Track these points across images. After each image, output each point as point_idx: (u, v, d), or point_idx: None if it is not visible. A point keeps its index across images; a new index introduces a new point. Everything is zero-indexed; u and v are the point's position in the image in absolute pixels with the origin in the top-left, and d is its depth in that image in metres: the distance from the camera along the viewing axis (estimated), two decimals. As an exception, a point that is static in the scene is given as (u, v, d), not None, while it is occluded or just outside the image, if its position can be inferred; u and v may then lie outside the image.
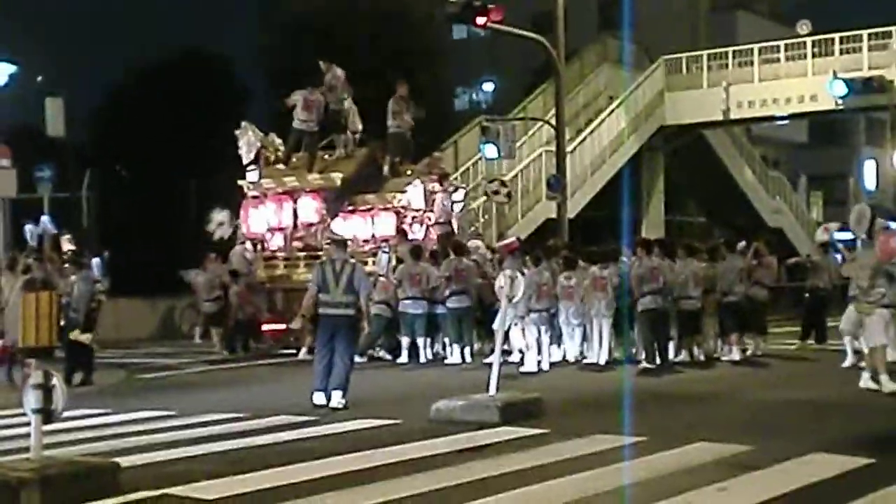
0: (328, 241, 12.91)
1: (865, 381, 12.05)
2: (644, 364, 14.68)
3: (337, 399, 11.21)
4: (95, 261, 17.69)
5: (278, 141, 20.72)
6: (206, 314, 20.24)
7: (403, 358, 16.39)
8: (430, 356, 16.47)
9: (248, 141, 20.32)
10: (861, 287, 12.10)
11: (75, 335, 14.45)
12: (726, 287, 15.76)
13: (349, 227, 18.99)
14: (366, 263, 18.09)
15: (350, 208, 19.25)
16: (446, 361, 16.09)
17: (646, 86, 30.19)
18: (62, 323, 15.91)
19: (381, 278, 16.99)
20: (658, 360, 14.69)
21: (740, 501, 6.99)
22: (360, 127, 20.26)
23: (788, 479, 7.47)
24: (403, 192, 19.05)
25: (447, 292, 16.27)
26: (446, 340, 16.49)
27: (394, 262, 17.45)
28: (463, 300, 16.19)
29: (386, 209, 18.95)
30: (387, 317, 16.69)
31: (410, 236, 18.39)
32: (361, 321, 11.59)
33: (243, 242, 20.01)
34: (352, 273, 11.38)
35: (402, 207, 18.88)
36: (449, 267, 16.41)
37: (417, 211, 19.02)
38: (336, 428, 10.15)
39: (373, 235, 18.78)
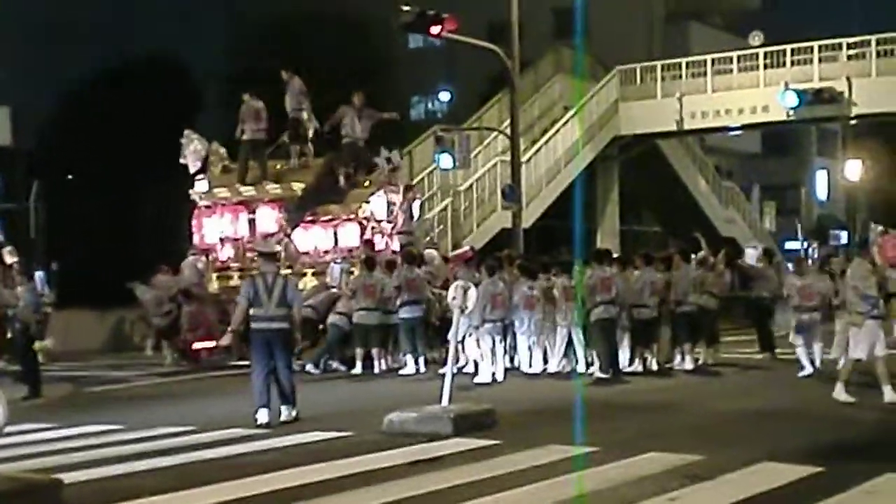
0: (258, 254, 12.73)
1: (839, 393, 11.89)
2: (598, 374, 14.72)
3: (286, 413, 11.14)
4: (39, 274, 17.48)
5: (223, 150, 20.66)
6: (156, 328, 19.97)
7: (357, 369, 16.30)
8: (384, 367, 16.40)
9: (193, 150, 20.22)
10: (867, 297, 11.66)
11: (41, 346, 14.38)
12: (680, 296, 15.88)
13: (310, 237, 19.00)
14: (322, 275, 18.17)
15: (310, 219, 19.21)
16: (400, 372, 16.03)
17: (600, 96, 30.36)
18: (9, 335, 15.78)
19: (334, 289, 16.99)
20: (611, 370, 14.72)
21: (690, 511, 7.01)
22: (311, 135, 20.26)
23: (738, 489, 7.51)
24: (367, 202, 19.08)
25: (398, 302, 16.25)
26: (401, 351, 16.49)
27: (356, 272, 17.39)
28: (415, 310, 16.16)
29: (350, 220, 18.95)
30: (343, 328, 16.62)
31: (379, 245, 18.45)
32: (295, 332, 11.49)
33: (195, 253, 19.85)
34: (284, 286, 11.31)
35: (365, 218, 18.90)
36: (400, 277, 16.39)
37: (380, 221, 19.06)
38: (286, 441, 10.06)
39: (335, 246, 18.76)
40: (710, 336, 16.59)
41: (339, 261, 17.94)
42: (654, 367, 15.72)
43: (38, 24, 50.68)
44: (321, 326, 17.11)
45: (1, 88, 24.96)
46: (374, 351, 16.39)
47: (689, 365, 15.73)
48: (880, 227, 14.46)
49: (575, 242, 20.53)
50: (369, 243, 18.34)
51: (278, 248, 12.91)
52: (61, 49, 38.04)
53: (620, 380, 14.63)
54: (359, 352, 16.43)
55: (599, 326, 14.85)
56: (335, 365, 16.86)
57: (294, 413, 11.17)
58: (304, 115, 20.00)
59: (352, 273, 17.53)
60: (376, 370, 16.28)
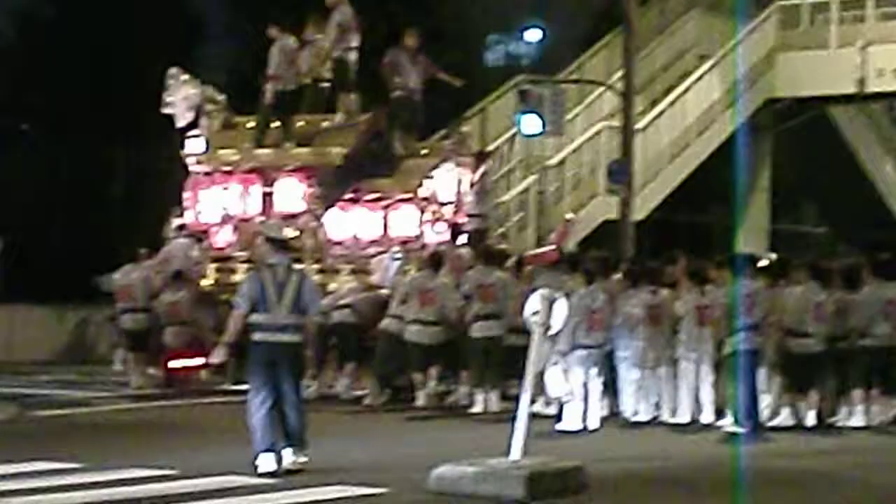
0: (265, 239, 12.72)
1: None
2: (729, 427, 14.66)
3: (293, 458, 11.19)
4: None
5: (221, 97, 20.94)
6: (128, 331, 20.00)
7: (418, 399, 16.61)
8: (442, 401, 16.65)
9: (183, 96, 20.48)
10: None
11: None
12: (863, 325, 15.72)
13: (349, 222, 19.20)
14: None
15: (351, 197, 19.39)
16: (470, 411, 16.20)
17: (751, 42, 30.08)
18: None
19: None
20: (749, 423, 14.66)
21: None
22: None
23: None
24: (429, 177, 19.25)
25: (470, 316, 16.34)
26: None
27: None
28: (491, 327, 16.24)
29: (407, 199, 19.11)
30: (400, 337, 16.81)
31: (439, 237, 18.72)
32: (306, 349, 11.57)
33: (188, 235, 20.11)
34: (300, 285, 11.35)
35: (426, 199, 19.07)
36: (471, 281, 16.48)
37: (445, 204, 19.21)
38: (295, 497, 10.17)
39: (384, 235, 18.97)
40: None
41: (397, 254, 18.01)
42: (811, 420, 15.60)
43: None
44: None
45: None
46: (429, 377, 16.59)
47: (859, 420, 15.59)
48: None
49: (709, 244, 20.45)
50: (455, 231, 18.42)
51: (292, 233, 12.96)
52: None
53: (762, 437, 14.55)
54: (416, 377, 16.72)
55: (737, 361, 14.78)
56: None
57: (303, 458, 11.25)
58: (353, 55, 20.23)
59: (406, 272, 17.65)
60: (420, 402, 16.45)
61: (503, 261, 17.27)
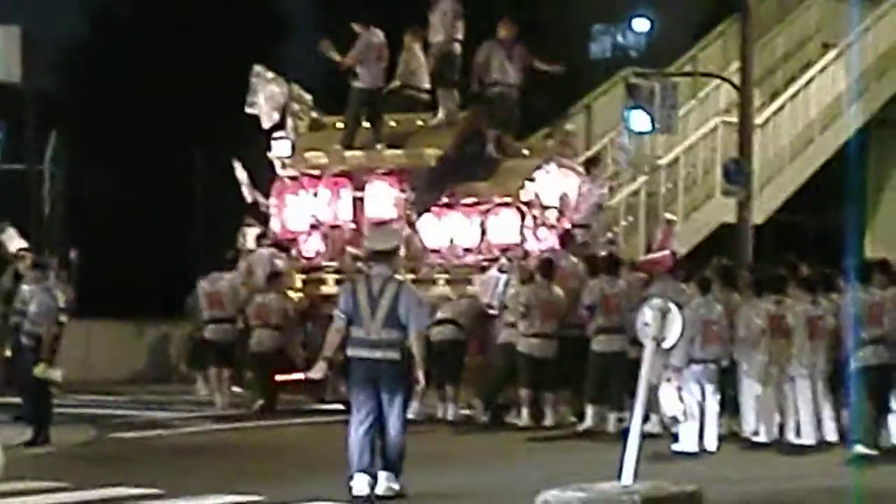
0: (370, 253, 12.62)
1: None
2: (858, 448, 14.46)
3: (387, 484, 11.19)
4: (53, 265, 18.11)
5: (308, 97, 21.08)
6: (214, 342, 19.93)
7: (522, 419, 16.60)
8: (554, 420, 16.65)
9: (268, 95, 20.63)
10: None
11: (42, 371, 14.71)
12: None
13: (445, 228, 19.24)
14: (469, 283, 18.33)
15: (446, 201, 19.44)
16: (578, 428, 16.22)
17: (880, 29, 29.77)
18: (8, 353, 16.40)
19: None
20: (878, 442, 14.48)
21: None
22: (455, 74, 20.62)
23: None
24: (531, 179, 19.25)
25: (592, 329, 16.37)
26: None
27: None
28: (613, 342, 16.18)
29: (505, 204, 19.12)
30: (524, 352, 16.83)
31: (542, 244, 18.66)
32: (414, 371, 11.28)
33: (271, 245, 20.25)
34: (396, 296, 11.24)
35: (527, 203, 19.07)
36: (595, 292, 16.43)
37: (549, 208, 19.20)
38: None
39: (482, 242, 19.03)
40: None
41: (504, 266, 17.99)
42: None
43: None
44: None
45: (9, 6, 25.87)
46: (548, 395, 16.58)
47: None
48: None
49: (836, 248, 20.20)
50: (567, 238, 18.52)
51: (396, 242, 12.87)
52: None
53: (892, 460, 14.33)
54: (524, 394, 16.68)
55: (864, 378, 14.59)
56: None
57: (397, 487, 11.24)
58: (458, 48, 20.28)
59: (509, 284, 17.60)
60: (548, 422, 16.43)
61: (617, 269, 17.22)
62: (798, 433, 15.22)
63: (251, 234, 20.71)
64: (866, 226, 31.78)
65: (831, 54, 28.57)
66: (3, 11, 24.47)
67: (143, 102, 31.84)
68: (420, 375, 11.30)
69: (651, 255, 19.76)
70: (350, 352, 11.31)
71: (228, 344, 19.61)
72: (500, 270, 17.77)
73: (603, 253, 18.59)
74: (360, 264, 13.57)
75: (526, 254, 18.55)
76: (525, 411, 16.75)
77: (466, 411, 17.57)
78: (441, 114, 20.34)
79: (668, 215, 22.07)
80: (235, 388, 19.76)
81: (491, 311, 17.49)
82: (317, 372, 11.88)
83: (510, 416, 17.19)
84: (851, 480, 12.75)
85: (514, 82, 19.98)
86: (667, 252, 19.29)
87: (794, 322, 15.27)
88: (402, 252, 17.57)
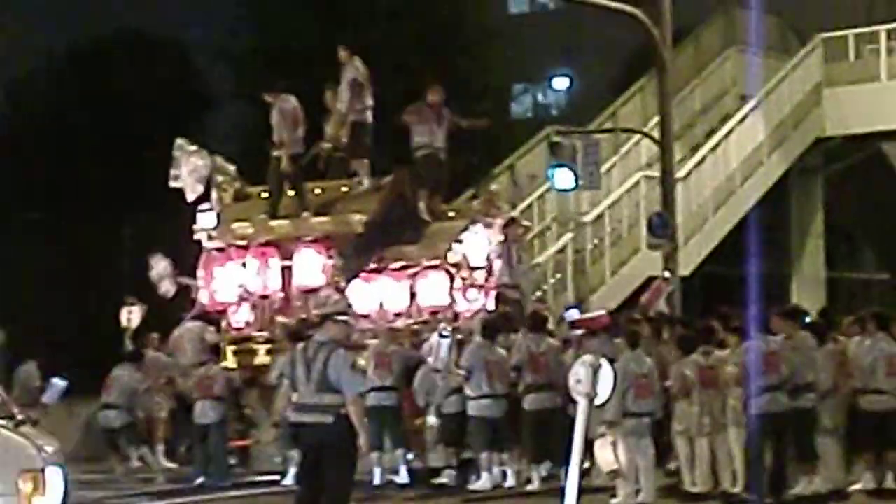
0: (323, 318, 12.56)
1: None
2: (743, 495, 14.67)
3: None
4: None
5: (232, 168, 21.11)
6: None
7: (483, 483, 16.48)
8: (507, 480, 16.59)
9: (191, 168, 20.61)
10: None
11: None
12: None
13: (374, 292, 19.24)
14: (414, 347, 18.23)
15: (374, 266, 19.47)
16: (528, 489, 16.15)
17: (795, 79, 30.20)
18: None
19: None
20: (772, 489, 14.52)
21: None
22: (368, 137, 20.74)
23: None
24: (459, 241, 19.32)
25: (522, 387, 16.39)
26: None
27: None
28: (544, 400, 16.17)
29: (435, 266, 19.17)
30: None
31: (471, 305, 18.70)
32: (356, 438, 11.07)
33: (199, 317, 20.20)
34: (326, 361, 11.07)
35: (455, 265, 19.13)
36: (522, 351, 16.46)
37: (477, 269, 19.26)
38: None
39: (411, 305, 19.10)
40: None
41: (444, 332, 17.65)
42: (891, 483, 15.43)
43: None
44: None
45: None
46: (497, 455, 16.54)
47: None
48: None
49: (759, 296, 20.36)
50: (502, 302, 18.55)
51: (345, 305, 12.78)
52: (14, 23, 39.11)
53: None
54: (484, 457, 16.51)
55: (761, 425, 14.64)
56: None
57: None
58: (369, 115, 20.39)
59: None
60: (483, 482, 16.39)
61: (546, 328, 17.28)
62: (734, 482, 15.31)
63: (136, 311, 20.92)
64: (792, 272, 32.18)
65: (748, 106, 28.95)
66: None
67: (65, 177, 31.71)
68: (361, 441, 11.17)
69: (589, 314, 19.85)
70: (291, 417, 11.36)
71: (112, 430, 19.37)
72: (441, 335, 17.64)
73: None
74: (310, 331, 13.48)
75: (456, 315, 18.60)
76: (486, 475, 16.49)
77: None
78: (365, 182, 20.39)
79: (666, 273, 22.15)
80: (169, 464, 19.64)
81: (437, 375, 17.30)
82: (268, 435, 12.02)
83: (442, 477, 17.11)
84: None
85: (441, 145, 20.08)
86: (602, 312, 19.35)
87: (727, 371, 15.40)
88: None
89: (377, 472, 17.08)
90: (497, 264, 19.56)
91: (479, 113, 21.86)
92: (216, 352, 19.19)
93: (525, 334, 16.86)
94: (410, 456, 17.50)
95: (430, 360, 17.19)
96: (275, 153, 20.25)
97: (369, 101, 20.44)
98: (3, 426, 8.74)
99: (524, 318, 17.76)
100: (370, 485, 16.71)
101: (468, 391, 16.61)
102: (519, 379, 16.47)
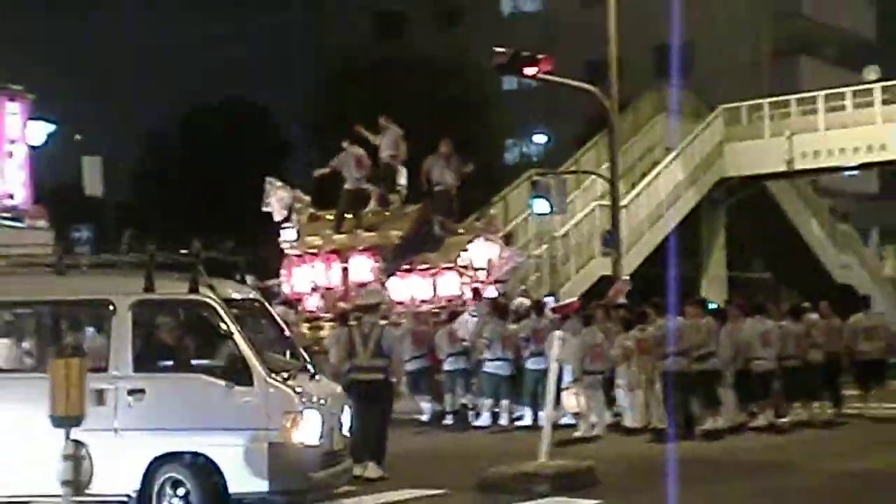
0: (358, 305, 12.89)
1: None
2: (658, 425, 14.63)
3: (372, 469, 11.20)
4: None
5: (307, 198, 21.19)
6: None
7: (483, 421, 16.25)
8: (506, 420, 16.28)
9: (278, 198, 20.73)
10: None
11: None
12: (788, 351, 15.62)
13: (406, 286, 19.31)
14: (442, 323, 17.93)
15: (407, 268, 19.55)
16: (520, 424, 15.91)
17: (704, 136, 30.15)
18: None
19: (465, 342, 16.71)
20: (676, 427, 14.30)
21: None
22: (404, 182, 20.77)
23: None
24: (466, 250, 19.34)
25: (527, 353, 16.00)
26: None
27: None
28: (540, 362, 15.52)
29: (449, 269, 19.20)
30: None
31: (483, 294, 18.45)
32: (394, 386, 11.69)
33: (283, 303, 20.25)
34: (380, 336, 11.57)
35: (464, 266, 19.16)
36: (529, 327, 16.20)
37: (478, 270, 19.26)
38: (377, 499, 10.14)
39: (434, 296, 19.12)
40: (810, 392, 16.10)
41: (473, 312, 17.31)
42: (763, 421, 15.36)
43: (127, 73, 52.44)
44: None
45: (92, 139, 25.78)
46: (504, 403, 16.28)
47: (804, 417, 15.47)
48: None
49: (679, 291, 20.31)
50: (477, 293, 18.28)
51: (379, 299, 13.00)
52: (148, 97, 39.37)
53: (737, 436, 14.33)
54: (487, 402, 16.27)
55: (671, 381, 14.61)
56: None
57: (380, 471, 11.22)
58: (400, 163, 20.48)
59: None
60: (503, 422, 16.14)
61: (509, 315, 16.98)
62: (661, 421, 15.25)
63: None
64: (702, 275, 32.15)
65: (671, 155, 28.95)
66: (90, 145, 24.46)
67: (188, 205, 31.80)
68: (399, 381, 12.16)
69: (563, 301, 19.68)
70: (351, 375, 11.48)
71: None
72: (471, 314, 17.46)
73: (518, 300, 18.51)
74: (355, 314, 13.57)
75: (463, 303, 18.52)
76: (486, 415, 16.32)
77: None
78: (392, 208, 20.45)
79: (625, 277, 21.93)
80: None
81: (465, 344, 16.86)
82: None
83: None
84: (702, 452, 12.81)
85: (452, 183, 20.09)
86: (574, 299, 19.09)
87: (627, 343, 15.34)
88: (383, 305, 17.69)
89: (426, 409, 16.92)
90: (495, 265, 19.53)
91: (478, 161, 21.69)
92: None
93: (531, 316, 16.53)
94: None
95: (460, 332, 16.97)
96: (346, 187, 20.33)
97: (402, 153, 20.47)
98: (275, 379, 8.47)
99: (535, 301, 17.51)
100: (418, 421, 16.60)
101: (487, 355, 16.31)
102: (526, 348, 16.12)
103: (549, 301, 18.40)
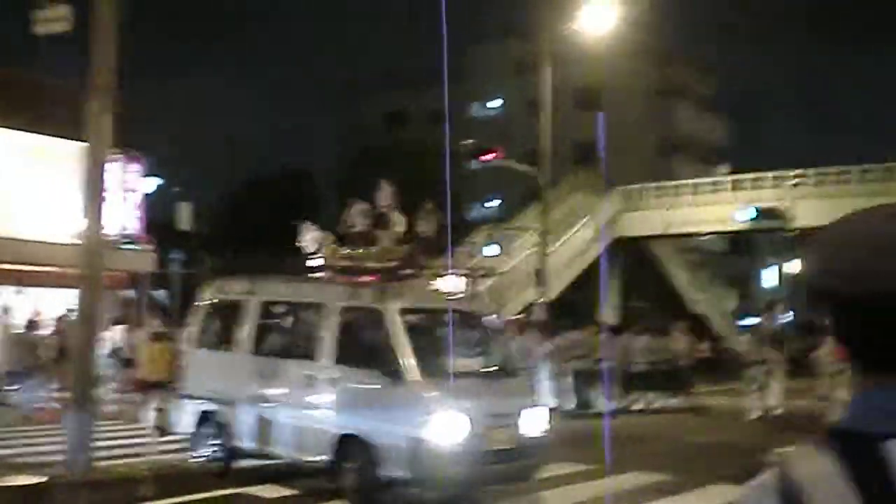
0: None
1: None
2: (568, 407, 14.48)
3: None
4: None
5: (332, 236, 21.15)
6: None
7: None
8: None
9: (311, 237, 20.67)
10: None
11: None
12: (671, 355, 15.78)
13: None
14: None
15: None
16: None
17: (607, 208, 30.45)
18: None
19: None
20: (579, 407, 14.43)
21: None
22: (401, 229, 20.73)
23: (695, 503, 7.45)
24: (438, 277, 19.23)
25: None
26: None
27: None
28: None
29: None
30: None
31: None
32: None
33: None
34: None
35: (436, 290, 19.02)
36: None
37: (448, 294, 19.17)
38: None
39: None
40: (679, 385, 16.21)
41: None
42: (640, 406, 15.46)
43: (212, 140, 52.30)
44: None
45: (183, 187, 25.82)
46: None
47: (669, 403, 15.49)
48: None
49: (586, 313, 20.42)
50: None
51: None
52: (226, 158, 39.25)
53: (621, 415, 14.27)
54: None
55: (575, 375, 14.61)
56: None
57: None
58: (393, 213, 20.39)
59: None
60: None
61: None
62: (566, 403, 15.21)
63: None
64: (603, 301, 32.25)
65: (583, 220, 29.16)
66: (183, 192, 24.43)
67: (253, 238, 31.70)
68: None
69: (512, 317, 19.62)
70: None
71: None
72: None
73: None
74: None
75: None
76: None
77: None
78: (384, 243, 20.33)
79: (541, 299, 21.90)
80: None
81: None
82: None
83: None
84: (595, 426, 12.85)
85: (433, 232, 20.01)
86: (522, 316, 18.98)
87: (547, 349, 15.25)
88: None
89: None
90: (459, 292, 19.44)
91: (450, 219, 21.83)
92: None
93: None
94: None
95: None
96: (355, 230, 20.21)
97: (395, 205, 20.38)
98: (425, 381, 7.19)
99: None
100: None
101: None
102: None
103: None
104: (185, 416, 8.61)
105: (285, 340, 8.65)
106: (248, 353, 8.47)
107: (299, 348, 8.09)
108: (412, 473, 6.91)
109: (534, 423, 7.48)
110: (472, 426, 6.97)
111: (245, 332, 8.65)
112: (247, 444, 8.08)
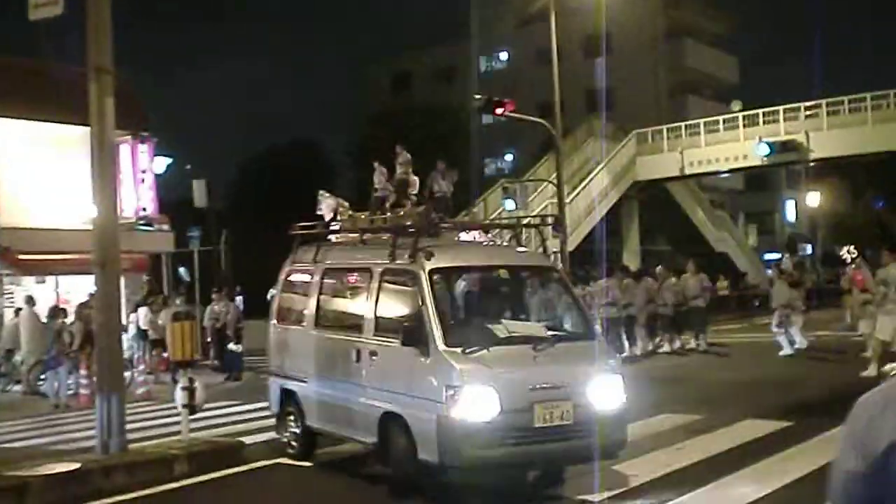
0: None
1: (873, 370, 10.60)
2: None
3: None
4: (239, 298, 18.07)
5: (346, 203, 21.04)
6: None
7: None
8: None
9: (328, 205, 20.59)
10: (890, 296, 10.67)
11: (232, 347, 14.93)
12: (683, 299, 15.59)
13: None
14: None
15: None
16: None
17: (622, 153, 30.02)
18: (211, 339, 16.27)
19: None
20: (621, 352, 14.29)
21: (691, 457, 6.89)
22: (415, 191, 20.58)
23: (726, 440, 7.36)
24: (457, 238, 19.14)
25: None
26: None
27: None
28: None
29: None
30: None
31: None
32: None
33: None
34: None
35: None
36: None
37: None
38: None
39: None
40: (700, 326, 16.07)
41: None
42: (668, 348, 15.36)
43: (224, 117, 52.18)
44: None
45: (198, 166, 25.74)
46: None
47: (703, 345, 15.36)
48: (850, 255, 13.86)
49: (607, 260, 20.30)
50: None
51: None
52: (239, 134, 39.17)
53: (649, 357, 14.29)
54: None
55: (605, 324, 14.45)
56: None
57: None
58: (411, 177, 20.26)
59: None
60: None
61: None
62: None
63: None
64: (623, 247, 32.07)
65: (600, 167, 28.82)
66: (197, 170, 24.38)
67: (268, 213, 31.68)
68: None
69: None
70: None
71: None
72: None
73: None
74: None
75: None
76: None
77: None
78: (405, 210, 20.23)
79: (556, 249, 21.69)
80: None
81: None
82: None
83: None
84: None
85: (447, 190, 19.86)
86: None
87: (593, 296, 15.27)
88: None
89: None
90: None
91: (465, 174, 21.63)
92: None
93: None
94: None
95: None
96: (376, 194, 20.13)
97: (411, 170, 20.24)
98: (452, 352, 6.07)
99: None
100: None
101: None
102: None
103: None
104: (272, 395, 8.10)
105: (343, 311, 7.68)
106: (311, 326, 7.75)
107: (353, 318, 7.15)
108: (440, 457, 5.84)
109: (604, 393, 6.12)
110: (505, 401, 5.81)
111: (309, 304, 8.02)
112: (315, 424, 7.43)
